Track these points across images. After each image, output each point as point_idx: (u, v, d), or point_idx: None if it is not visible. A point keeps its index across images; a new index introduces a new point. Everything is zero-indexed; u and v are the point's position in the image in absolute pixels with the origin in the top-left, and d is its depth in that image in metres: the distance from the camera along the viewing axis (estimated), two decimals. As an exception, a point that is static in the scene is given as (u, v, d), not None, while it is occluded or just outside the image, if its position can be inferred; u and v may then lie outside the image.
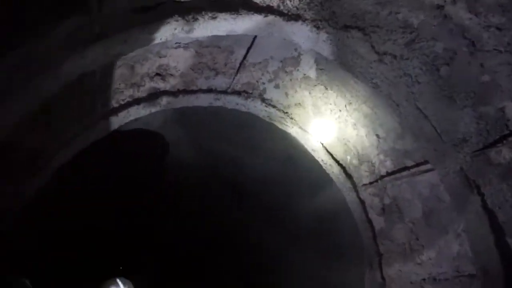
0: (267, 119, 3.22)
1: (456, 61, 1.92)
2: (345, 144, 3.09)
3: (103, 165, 4.13)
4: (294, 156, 3.73)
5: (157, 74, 2.93)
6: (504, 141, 1.84)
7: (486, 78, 1.83)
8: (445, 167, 2.03)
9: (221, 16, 1.89)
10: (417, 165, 2.56)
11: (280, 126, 3.22)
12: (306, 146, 3.22)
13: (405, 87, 2.05)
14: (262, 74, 3.04)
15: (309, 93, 3.03)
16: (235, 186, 4.96)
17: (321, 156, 3.17)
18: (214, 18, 1.88)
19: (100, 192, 4.55)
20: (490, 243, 1.82)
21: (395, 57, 2.03)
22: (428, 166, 2.40)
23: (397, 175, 2.81)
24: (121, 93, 2.91)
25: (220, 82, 3.07)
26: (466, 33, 1.83)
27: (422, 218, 2.74)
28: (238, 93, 3.10)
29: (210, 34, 2.12)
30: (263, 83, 3.08)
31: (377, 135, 2.82)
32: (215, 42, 2.73)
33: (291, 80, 3.04)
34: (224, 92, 3.10)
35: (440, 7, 1.83)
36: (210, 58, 2.89)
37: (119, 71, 2.72)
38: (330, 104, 2.96)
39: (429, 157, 2.19)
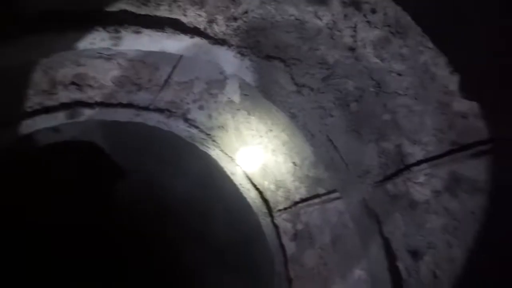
0: (189, 140, 3.19)
1: (364, 99, 2.12)
2: (264, 169, 3.17)
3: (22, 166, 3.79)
4: (215, 178, 3.72)
5: (73, 83, 2.75)
6: (400, 175, 2.05)
7: (387, 117, 2.03)
8: (350, 196, 2.18)
9: (146, 32, 1.87)
10: (328, 193, 2.71)
11: (201, 148, 3.20)
12: (225, 169, 3.24)
13: (320, 119, 2.19)
14: (187, 94, 3.03)
15: (232, 117, 3.08)
16: (160, 203, 4.81)
17: (239, 180, 3.20)
18: (138, 32, 1.84)
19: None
20: (384, 268, 1.98)
21: (312, 90, 2.17)
22: (337, 194, 2.55)
23: (310, 201, 2.94)
24: (30, 99, 2.68)
25: (143, 98, 2.98)
26: (373, 75, 2.03)
27: (330, 244, 2.88)
28: (160, 110, 3.04)
29: (133, 48, 2.07)
30: (187, 103, 3.06)
31: (294, 163, 2.95)
32: (139, 56, 2.66)
33: (215, 102, 3.07)
34: (146, 108, 3.01)
35: (352, 49, 2.01)
36: (134, 72, 2.80)
37: (31, 76, 2.51)
38: (252, 129, 3.03)
39: (337, 186, 2.34)
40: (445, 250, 1.94)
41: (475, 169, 1.81)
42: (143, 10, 1.82)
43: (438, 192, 1.96)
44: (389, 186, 2.09)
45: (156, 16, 1.91)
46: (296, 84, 2.15)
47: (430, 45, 1.62)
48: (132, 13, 1.81)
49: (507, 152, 1.67)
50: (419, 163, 2.02)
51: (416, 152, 2.03)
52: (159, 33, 1.90)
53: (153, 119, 3.07)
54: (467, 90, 1.61)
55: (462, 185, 1.89)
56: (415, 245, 2.04)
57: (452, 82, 1.66)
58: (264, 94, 2.30)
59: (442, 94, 1.79)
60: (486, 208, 1.83)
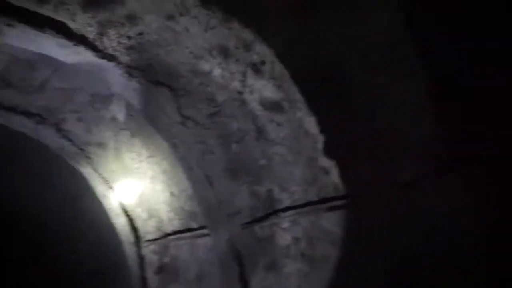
0: (58, 152, 2.88)
1: (245, 141, 2.20)
2: (139, 196, 3.01)
3: None
4: (84, 198, 3.39)
5: None
6: (267, 219, 2.14)
7: (264, 162, 2.14)
8: (219, 234, 2.19)
9: (20, 27, 1.67)
10: (200, 228, 2.68)
11: (71, 163, 2.91)
12: (96, 190, 2.99)
13: (200, 154, 2.19)
14: (66, 103, 2.77)
15: (114, 135, 2.90)
16: (22, 217, 4.14)
17: (110, 204, 2.98)
18: (10, 25, 1.64)
19: None
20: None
21: (197, 124, 2.18)
22: (207, 231, 2.54)
23: (182, 235, 2.87)
24: None
25: (10, 97, 2.63)
26: (256, 121, 2.13)
27: (195, 281, 2.82)
28: (30, 114, 2.70)
29: (3, 42, 1.83)
30: (65, 113, 2.79)
31: (171, 193, 2.86)
32: (13, 51, 2.36)
33: (97, 117, 2.86)
34: (12, 109, 2.65)
35: (240, 93, 2.10)
36: (3, 66, 2.46)
37: None
38: (133, 152, 2.88)
39: (208, 223, 2.33)
40: (296, 294, 2.05)
41: (331, 221, 1.98)
42: (21, 3, 1.63)
43: (297, 239, 2.09)
44: (256, 228, 2.16)
45: (37, 13, 1.73)
46: (182, 115, 2.13)
47: (305, 104, 1.78)
48: (7, 2, 1.61)
49: (357, 207, 1.88)
50: (285, 209, 2.14)
51: (284, 199, 2.15)
52: (37, 31, 1.72)
53: (19, 123, 2.71)
54: (330, 149, 1.79)
55: (319, 234, 2.05)
56: (272, 288, 2.12)
57: (319, 140, 1.83)
58: (148, 119, 2.23)
59: (311, 149, 1.95)
60: (337, 257, 2.00)
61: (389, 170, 1.73)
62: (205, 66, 2.03)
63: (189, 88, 2.14)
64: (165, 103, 2.11)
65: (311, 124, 1.85)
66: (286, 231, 2.15)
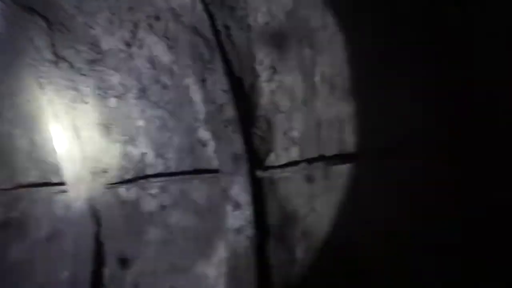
0: None
1: (125, 98, 2.04)
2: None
3: None
4: None
5: None
6: (136, 182, 2.04)
7: (142, 123, 2.02)
8: (79, 192, 2.02)
9: None
10: (60, 184, 2.43)
11: None
12: None
13: (71, 101, 1.97)
14: None
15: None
16: None
17: (-52, 141, 2.49)
18: None
19: None
20: (88, 270, 1.89)
21: (72, 67, 1.95)
22: (67, 187, 2.32)
23: (37, 188, 2.57)
24: None
25: None
26: (141, 78, 1.99)
27: (45, 240, 2.57)
28: None
29: None
30: None
31: (32, 141, 2.53)
32: None
33: None
34: None
35: (128, 44, 1.93)
36: None
37: None
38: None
39: (69, 178, 2.13)
40: (152, 262, 2.02)
41: (199, 192, 1.98)
42: None
43: (164, 207, 2.05)
44: (122, 190, 2.05)
45: None
46: (55, 53, 1.88)
47: (194, 70, 1.73)
48: None
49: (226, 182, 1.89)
50: (157, 175, 2.07)
51: (158, 165, 2.07)
52: None
53: None
54: (210, 122, 1.78)
55: (186, 204, 2.04)
56: (128, 253, 2.05)
57: (202, 111, 1.81)
58: (11, 49, 1.90)
59: (193, 119, 1.92)
60: (198, 227, 2.01)
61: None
62: (92, 4, 1.82)
63: (69, 25, 1.89)
64: (36, 35, 1.82)
65: (197, 93, 1.81)
66: (153, 197, 2.08)
